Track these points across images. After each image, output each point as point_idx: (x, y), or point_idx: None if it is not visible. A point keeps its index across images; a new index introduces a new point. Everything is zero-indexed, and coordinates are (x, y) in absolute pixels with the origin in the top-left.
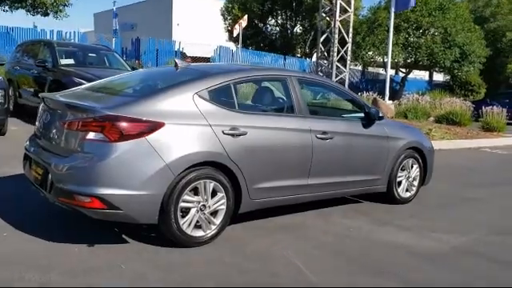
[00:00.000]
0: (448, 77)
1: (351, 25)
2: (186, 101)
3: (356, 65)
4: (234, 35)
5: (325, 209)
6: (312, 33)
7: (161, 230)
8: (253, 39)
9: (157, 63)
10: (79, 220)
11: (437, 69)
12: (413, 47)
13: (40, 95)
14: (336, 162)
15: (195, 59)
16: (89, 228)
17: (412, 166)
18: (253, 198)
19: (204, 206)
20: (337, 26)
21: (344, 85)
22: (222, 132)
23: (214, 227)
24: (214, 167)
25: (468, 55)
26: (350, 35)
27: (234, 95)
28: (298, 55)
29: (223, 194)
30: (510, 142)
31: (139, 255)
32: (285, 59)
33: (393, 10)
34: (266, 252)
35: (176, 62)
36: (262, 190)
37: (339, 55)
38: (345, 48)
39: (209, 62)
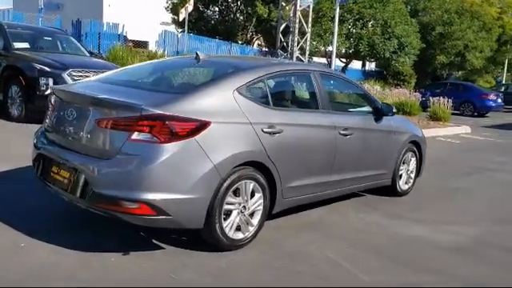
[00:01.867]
0: (374, 66)
1: (310, 14)
2: (227, 98)
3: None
4: (180, 19)
5: (333, 204)
6: (254, 20)
7: (203, 234)
8: (195, 24)
9: (99, 47)
10: (101, 225)
11: (373, 59)
12: (355, 38)
13: (52, 87)
14: (354, 158)
15: (137, 44)
16: (114, 233)
17: (411, 160)
18: (285, 198)
19: (244, 207)
20: (297, 15)
21: None
22: (262, 130)
23: (251, 229)
24: (253, 167)
25: (405, 47)
26: (309, 25)
27: (268, 91)
28: (240, 42)
29: (261, 194)
30: (457, 131)
31: (182, 262)
32: (231, 46)
33: (338, 1)
34: (306, 253)
35: (198, 54)
36: (293, 189)
37: (299, 45)
38: (304, 38)
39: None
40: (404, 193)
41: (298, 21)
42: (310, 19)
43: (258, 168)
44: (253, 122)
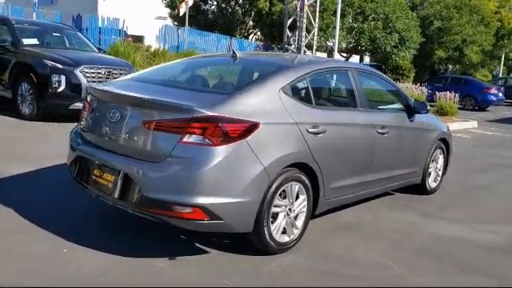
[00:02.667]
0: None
1: (317, 9)
2: (273, 97)
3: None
4: (181, 14)
5: (367, 203)
6: (252, 14)
7: (251, 238)
8: (193, 18)
9: (99, 42)
10: (143, 228)
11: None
12: (356, 32)
13: (88, 86)
14: (389, 157)
15: (137, 38)
16: (157, 237)
17: (439, 157)
18: (327, 198)
19: (290, 209)
20: (305, 10)
21: None
22: (307, 131)
23: (296, 231)
24: (299, 168)
25: (406, 41)
26: (317, 20)
27: (311, 89)
28: (238, 36)
29: (305, 195)
30: (465, 126)
31: (231, 267)
32: (231, 40)
33: None
34: (352, 256)
35: (234, 52)
36: (335, 190)
37: (306, 40)
38: (311, 33)
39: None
40: (432, 191)
41: (305, 15)
42: (317, 14)
43: (303, 169)
44: (298, 122)
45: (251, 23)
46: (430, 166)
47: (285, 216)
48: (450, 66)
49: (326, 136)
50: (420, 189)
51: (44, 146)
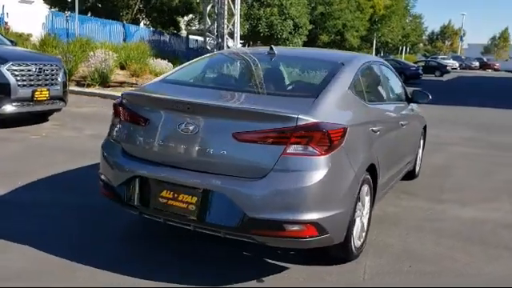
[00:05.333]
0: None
1: None
2: (346, 97)
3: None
4: None
5: None
6: None
7: (334, 247)
8: (72, 3)
9: None
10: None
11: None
12: (254, 18)
13: (128, 94)
14: (404, 147)
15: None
16: (214, 263)
17: (421, 142)
18: (378, 195)
19: (362, 212)
20: None
21: None
22: (372, 130)
23: (363, 234)
24: (367, 170)
25: (300, 27)
26: (238, 6)
27: (363, 86)
28: (124, 21)
29: (369, 196)
30: None
31: (323, 278)
32: (123, 26)
33: None
34: (414, 250)
35: (272, 48)
36: (382, 186)
37: (228, 28)
38: (232, 20)
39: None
40: (417, 175)
41: (226, 2)
42: (238, 0)
43: (369, 170)
44: (365, 121)
45: (138, 7)
46: (419, 151)
47: (359, 220)
48: None
49: (381, 133)
50: (409, 175)
51: None
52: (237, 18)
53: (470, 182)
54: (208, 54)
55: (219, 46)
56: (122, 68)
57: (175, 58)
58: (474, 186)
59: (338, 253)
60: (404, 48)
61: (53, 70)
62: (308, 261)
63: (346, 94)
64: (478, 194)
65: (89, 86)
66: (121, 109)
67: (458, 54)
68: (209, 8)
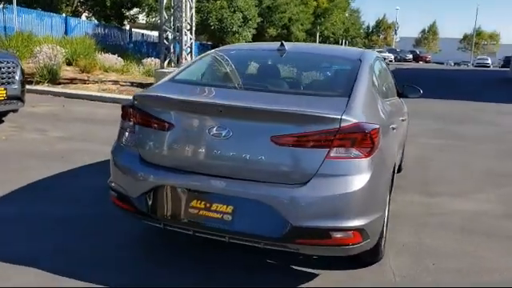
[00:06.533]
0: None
1: None
2: (371, 94)
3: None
4: None
5: None
6: None
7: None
8: None
9: None
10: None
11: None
12: (204, 11)
13: (143, 95)
14: (402, 142)
15: None
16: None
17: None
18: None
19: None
20: None
21: (191, 51)
22: (391, 127)
23: (384, 234)
24: None
25: (249, 20)
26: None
27: (376, 81)
28: (64, 14)
29: (389, 195)
30: None
31: (359, 283)
32: (65, 19)
33: None
34: (432, 247)
35: (283, 44)
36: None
37: (186, 22)
38: (189, 14)
39: None
40: (402, 168)
41: None
42: None
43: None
44: (387, 119)
45: (79, 0)
46: (405, 145)
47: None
48: None
49: (396, 129)
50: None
51: None
52: (193, 12)
53: (450, 174)
54: (211, 52)
55: (177, 40)
56: (69, 64)
57: (123, 52)
58: (456, 178)
59: (368, 256)
60: (344, 42)
61: (9, 68)
62: (332, 266)
63: (370, 92)
64: (462, 185)
65: (38, 83)
66: (134, 112)
67: (393, 46)
68: (165, 1)
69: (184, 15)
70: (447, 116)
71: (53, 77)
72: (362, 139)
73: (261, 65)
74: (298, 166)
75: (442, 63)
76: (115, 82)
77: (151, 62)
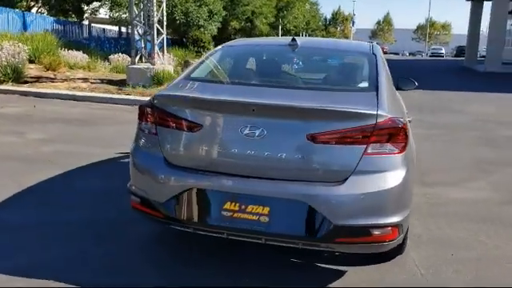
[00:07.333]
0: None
1: None
2: (391, 90)
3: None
4: None
5: None
6: None
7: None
8: None
9: None
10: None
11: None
12: (169, 5)
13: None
14: None
15: None
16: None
17: None
18: None
19: None
20: None
21: (163, 46)
22: (409, 121)
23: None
24: None
25: (215, 14)
26: None
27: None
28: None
29: None
30: None
31: (386, 279)
32: (22, 15)
33: None
34: (444, 236)
35: (295, 40)
36: None
37: (157, 17)
38: (161, 9)
39: None
40: None
41: None
42: None
43: None
44: (405, 112)
45: None
46: None
47: None
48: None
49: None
50: None
51: None
52: (164, 6)
53: (441, 164)
54: (220, 47)
55: (148, 35)
56: (31, 61)
57: (85, 48)
58: (447, 167)
59: (395, 250)
60: (305, 34)
61: None
62: (356, 261)
63: (390, 86)
64: (455, 174)
65: (1, 82)
66: (154, 112)
67: (351, 38)
68: None
69: (155, 9)
70: (420, 106)
71: (17, 75)
72: (396, 134)
73: (278, 60)
74: (336, 163)
75: (398, 53)
76: (84, 80)
77: (118, 57)
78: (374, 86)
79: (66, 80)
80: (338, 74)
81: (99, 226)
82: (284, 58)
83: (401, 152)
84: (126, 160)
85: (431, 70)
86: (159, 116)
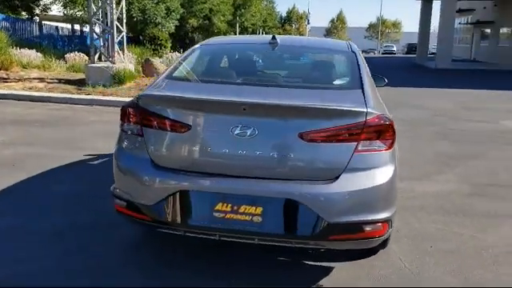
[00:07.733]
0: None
1: None
2: (374, 87)
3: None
4: None
5: None
6: None
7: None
8: None
9: None
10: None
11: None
12: (125, 3)
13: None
14: None
15: None
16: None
17: None
18: None
19: None
20: None
21: (123, 44)
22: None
23: None
24: None
25: (172, 11)
26: None
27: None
28: None
29: None
30: None
31: (376, 271)
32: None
33: None
34: (419, 230)
35: (275, 38)
36: None
37: (117, 14)
38: (120, 6)
39: None
40: None
41: None
42: None
43: None
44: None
45: None
46: None
47: None
48: (200, 36)
49: None
50: None
51: None
52: (123, 4)
53: (407, 158)
54: (198, 46)
55: (107, 34)
56: None
57: (37, 47)
58: (413, 162)
59: (379, 245)
60: (262, 32)
61: None
62: (343, 257)
63: (372, 83)
64: (422, 168)
65: None
66: (139, 113)
67: (307, 36)
68: None
69: (114, 7)
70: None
71: None
72: (385, 131)
73: (260, 59)
74: (328, 161)
75: None
76: (41, 80)
77: (75, 56)
78: (359, 84)
79: (20, 80)
80: (322, 72)
81: (77, 230)
82: (265, 56)
83: (389, 148)
84: (96, 162)
85: (386, 67)
86: (144, 116)
